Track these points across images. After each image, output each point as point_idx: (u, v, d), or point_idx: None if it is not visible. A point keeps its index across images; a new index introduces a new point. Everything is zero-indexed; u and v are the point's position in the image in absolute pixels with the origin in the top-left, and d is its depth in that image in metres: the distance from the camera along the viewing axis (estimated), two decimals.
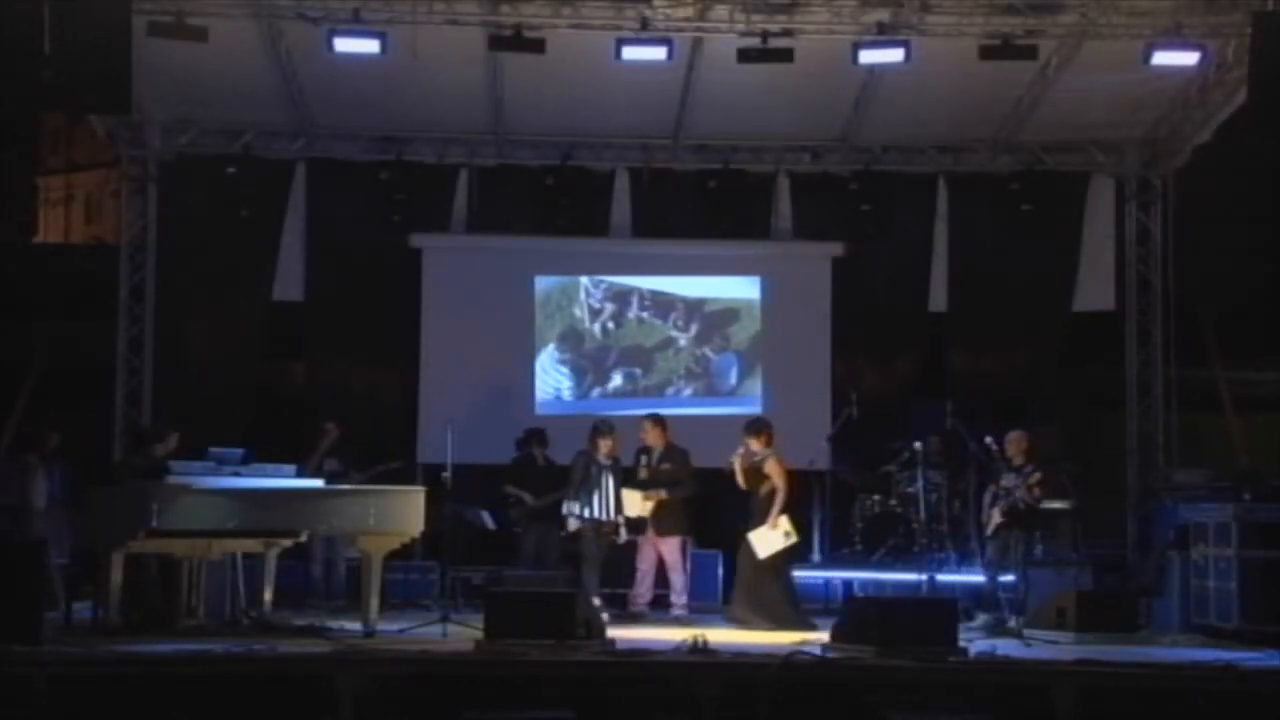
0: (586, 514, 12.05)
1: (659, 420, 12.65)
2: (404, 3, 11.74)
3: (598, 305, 14.99)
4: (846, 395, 14.02)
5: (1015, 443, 12.04)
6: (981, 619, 11.65)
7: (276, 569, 11.16)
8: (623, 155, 14.86)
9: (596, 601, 11.76)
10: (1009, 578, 11.91)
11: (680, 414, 13.67)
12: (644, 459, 12.55)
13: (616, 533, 12.17)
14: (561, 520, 12.29)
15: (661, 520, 12.31)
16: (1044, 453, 12.36)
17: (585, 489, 12.06)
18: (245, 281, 14.65)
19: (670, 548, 12.36)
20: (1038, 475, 11.80)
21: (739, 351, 14.96)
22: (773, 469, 11.82)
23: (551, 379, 14.88)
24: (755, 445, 11.89)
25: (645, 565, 12.40)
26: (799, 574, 13.60)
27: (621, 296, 15.00)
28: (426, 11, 11.78)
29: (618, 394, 14.87)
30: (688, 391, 14.91)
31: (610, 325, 14.99)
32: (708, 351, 14.99)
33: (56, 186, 39.09)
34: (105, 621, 10.07)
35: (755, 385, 14.92)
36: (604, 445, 12.15)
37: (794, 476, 12.07)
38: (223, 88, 13.47)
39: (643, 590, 12.38)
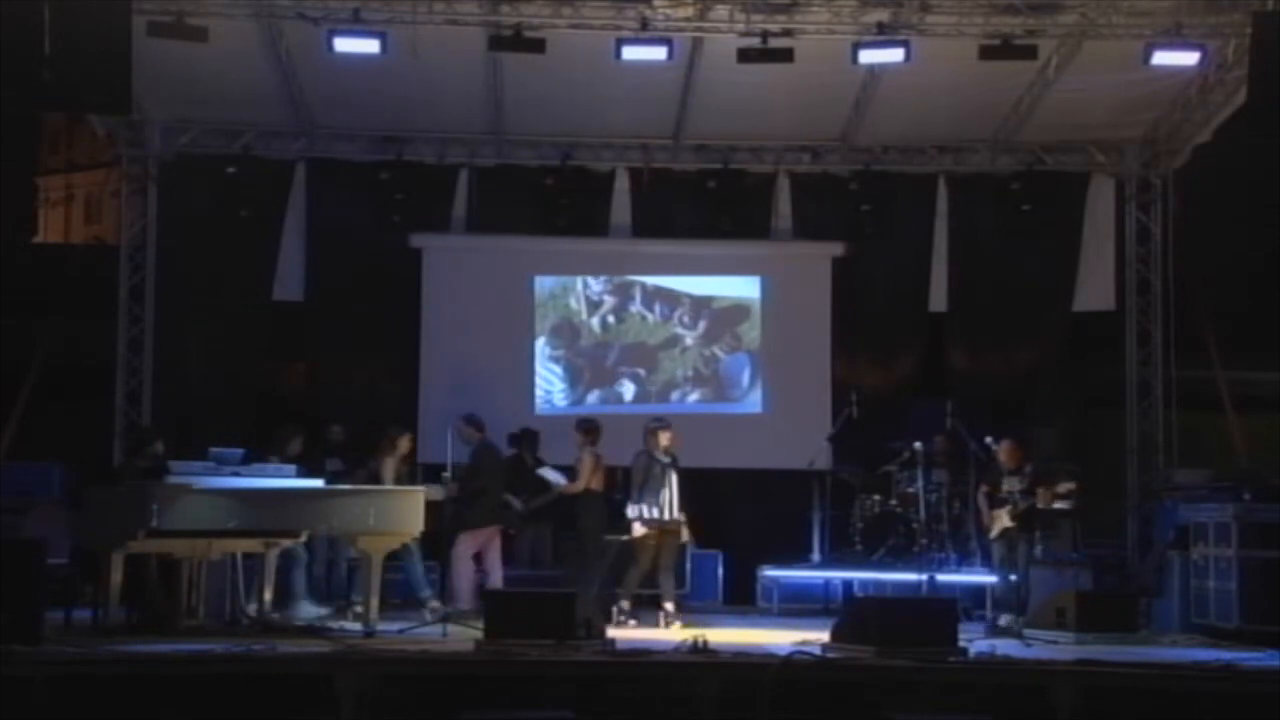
0: (654, 515, 11.82)
1: (470, 419, 12.58)
2: (404, 3, 11.74)
3: (597, 299, 14.99)
4: (846, 395, 14.02)
5: (1007, 453, 12.12)
6: (1005, 620, 11.61)
7: (276, 569, 11.17)
8: (623, 155, 14.86)
9: (626, 604, 11.77)
10: (1012, 578, 11.93)
11: (685, 414, 13.67)
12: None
13: (679, 531, 12.04)
14: (627, 524, 11.99)
15: (467, 516, 12.20)
16: (1046, 451, 12.38)
17: (651, 489, 11.81)
18: (245, 281, 14.65)
19: (475, 541, 12.20)
20: (1069, 485, 11.80)
21: (750, 351, 14.92)
22: (581, 463, 12.42)
23: (547, 377, 14.85)
24: (580, 441, 12.47)
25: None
26: (799, 574, 13.66)
27: (623, 290, 15.00)
28: (426, 11, 11.79)
29: (620, 396, 14.86)
30: (694, 396, 14.86)
31: (611, 320, 14.97)
32: (717, 351, 14.96)
33: (56, 186, 39.03)
34: (105, 621, 10.08)
35: (756, 385, 14.91)
36: (664, 438, 11.94)
37: (604, 475, 12.55)
38: (223, 88, 13.48)
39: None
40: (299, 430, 12.21)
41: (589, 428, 12.61)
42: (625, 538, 12.08)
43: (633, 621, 11.68)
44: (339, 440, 13.17)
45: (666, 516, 11.84)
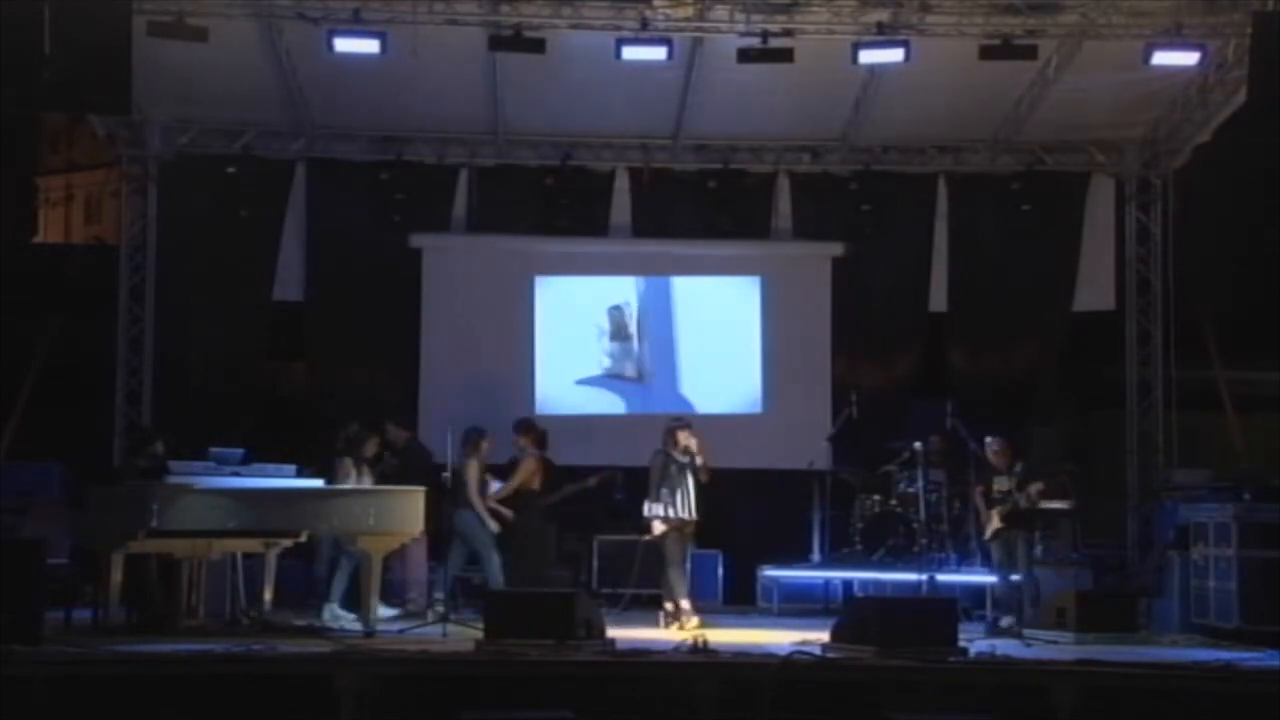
0: (671, 514, 11.78)
1: (398, 422, 12.69)
2: (404, 3, 11.74)
3: (598, 302, 14.96)
4: (846, 395, 14.02)
5: (997, 453, 12.10)
6: (1006, 621, 11.60)
7: (276, 569, 11.16)
8: (623, 155, 14.86)
9: (685, 604, 11.69)
10: (1014, 578, 11.92)
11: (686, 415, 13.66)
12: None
13: (694, 532, 11.95)
14: (645, 523, 11.97)
15: None
16: (1042, 451, 12.36)
17: (668, 488, 11.78)
18: (245, 281, 14.64)
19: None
20: (1039, 485, 11.80)
21: (750, 352, 14.88)
22: (520, 465, 12.53)
23: (550, 377, 14.84)
24: (521, 443, 12.60)
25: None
26: (799, 574, 13.66)
27: (624, 293, 14.97)
28: (426, 11, 11.79)
29: (621, 396, 14.86)
30: (693, 394, 14.85)
31: (611, 322, 14.95)
32: (713, 350, 14.93)
33: (56, 186, 39.04)
34: (105, 621, 10.08)
35: (755, 385, 14.90)
36: (682, 438, 11.86)
37: (546, 476, 12.70)
38: (223, 88, 13.47)
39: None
40: (376, 432, 12.23)
41: (527, 428, 12.72)
42: (646, 538, 12.02)
43: (695, 620, 11.50)
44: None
45: (686, 515, 11.81)
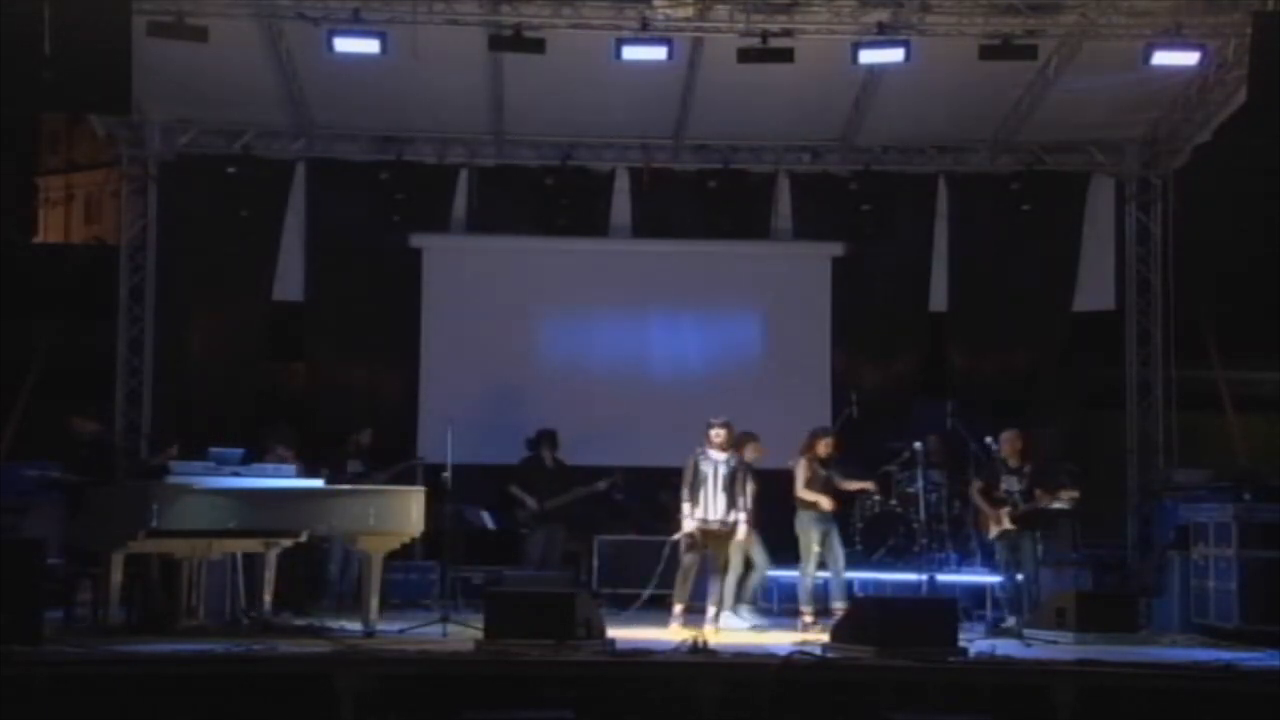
0: (697, 515, 11.43)
1: (87, 413, 12.30)
2: (404, 3, 11.75)
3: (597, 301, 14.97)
4: (847, 395, 14.02)
5: (1009, 442, 12.03)
6: (1011, 621, 11.59)
7: (277, 569, 11.16)
8: (623, 155, 14.86)
9: (729, 613, 11.52)
10: (1019, 578, 11.90)
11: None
12: None
13: (727, 534, 11.51)
14: (675, 524, 11.72)
15: None
16: (1045, 451, 12.34)
17: (695, 489, 11.45)
18: (245, 281, 14.65)
19: None
20: (1073, 494, 11.76)
21: (750, 351, 14.89)
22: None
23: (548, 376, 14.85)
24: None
25: None
26: (796, 574, 13.65)
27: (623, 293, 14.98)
28: (426, 11, 11.80)
29: (621, 397, 14.84)
30: (693, 393, 14.82)
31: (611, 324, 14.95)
32: (713, 350, 14.94)
33: (56, 186, 39.08)
34: (105, 621, 10.07)
35: (755, 385, 14.87)
36: (716, 436, 11.52)
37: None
38: (223, 88, 13.48)
39: None
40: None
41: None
42: (674, 537, 11.77)
43: (713, 626, 11.26)
44: (365, 444, 13.16)
45: (711, 517, 11.44)
